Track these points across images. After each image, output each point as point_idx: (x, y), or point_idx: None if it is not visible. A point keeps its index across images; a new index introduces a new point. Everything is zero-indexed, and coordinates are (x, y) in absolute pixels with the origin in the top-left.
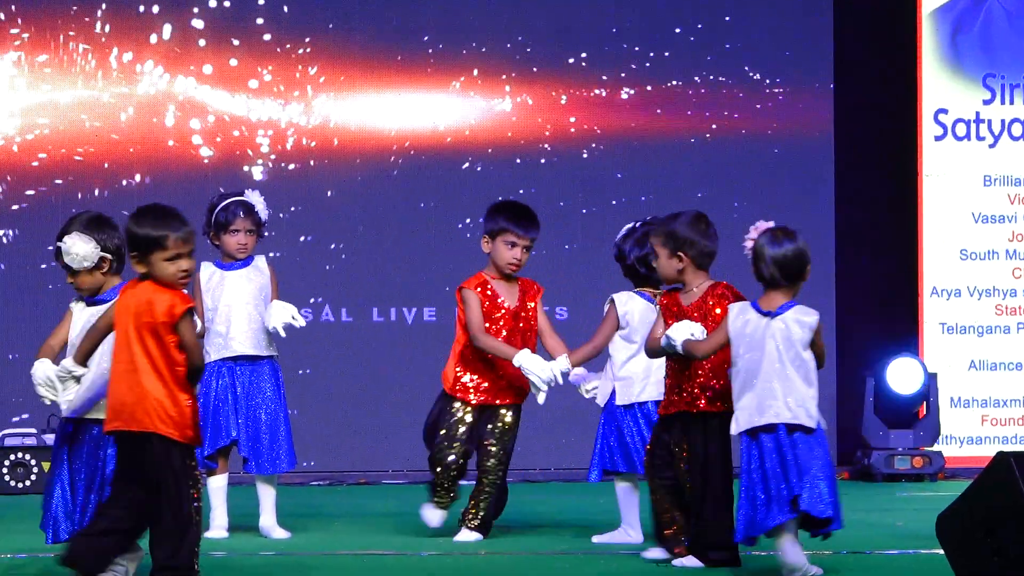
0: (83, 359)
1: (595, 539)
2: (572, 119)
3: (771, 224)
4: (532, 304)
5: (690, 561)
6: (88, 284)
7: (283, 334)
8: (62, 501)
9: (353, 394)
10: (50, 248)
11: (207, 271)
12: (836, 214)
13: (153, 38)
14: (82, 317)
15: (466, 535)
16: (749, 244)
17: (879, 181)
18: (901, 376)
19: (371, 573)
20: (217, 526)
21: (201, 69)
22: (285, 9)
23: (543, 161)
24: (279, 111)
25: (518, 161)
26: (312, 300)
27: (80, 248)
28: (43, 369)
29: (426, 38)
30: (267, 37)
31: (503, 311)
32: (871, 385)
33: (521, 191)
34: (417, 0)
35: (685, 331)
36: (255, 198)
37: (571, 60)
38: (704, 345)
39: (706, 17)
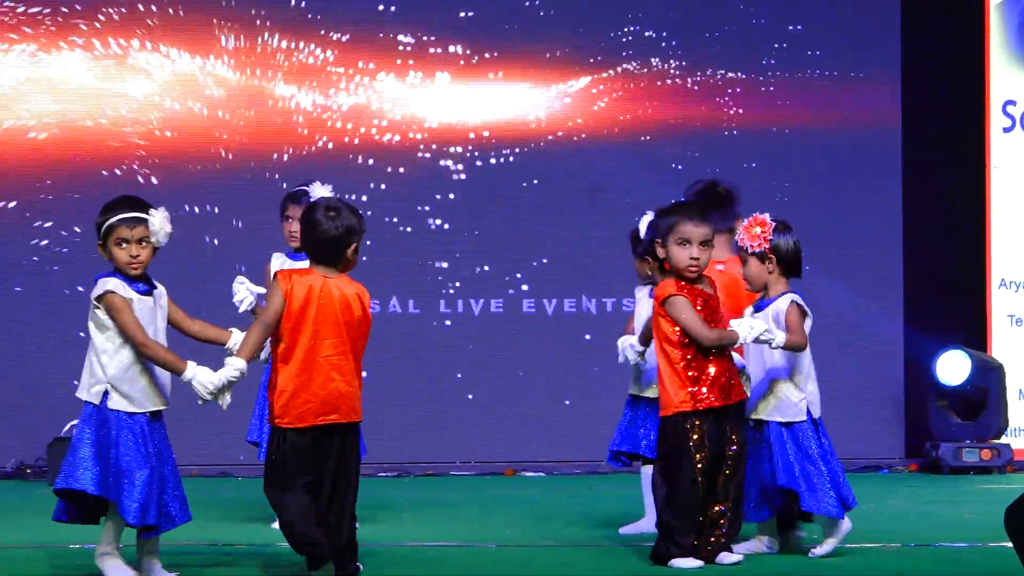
0: (250, 356)
1: (622, 530)
2: (649, 110)
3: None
4: None
5: (690, 562)
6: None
7: None
8: (152, 488)
9: (420, 388)
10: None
11: (278, 260)
12: (904, 206)
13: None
14: (142, 306)
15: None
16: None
17: (947, 173)
18: (950, 368)
19: (436, 563)
20: None
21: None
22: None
23: (618, 152)
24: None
25: (595, 150)
26: (380, 292)
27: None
28: (212, 377)
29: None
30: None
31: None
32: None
33: (591, 180)
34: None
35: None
36: (317, 190)
37: (634, 52)
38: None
39: (773, 9)
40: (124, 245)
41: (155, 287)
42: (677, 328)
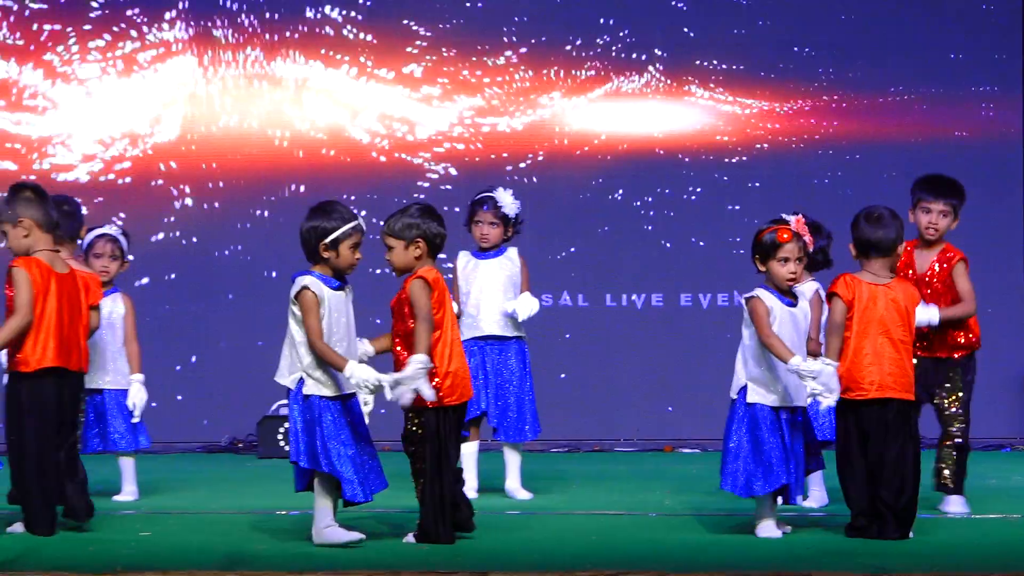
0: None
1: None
2: (776, 125)
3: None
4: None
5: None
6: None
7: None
8: (360, 464)
9: (589, 373)
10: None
11: (464, 259)
12: None
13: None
14: (336, 299)
15: None
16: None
17: None
18: None
19: (605, 531)
20: (468, 488)
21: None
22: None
23: (752, 165)
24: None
25: (727, 162)
26: (554, 287)
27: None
28: (369, 374)
29: (660, 52)
30: (508, 53)
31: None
32: None
33: (732, 193)
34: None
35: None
36: (502, 195)
37: (770, 73)
38: None
39: (894, 28)
40: (357, 249)
41: (347, 283)
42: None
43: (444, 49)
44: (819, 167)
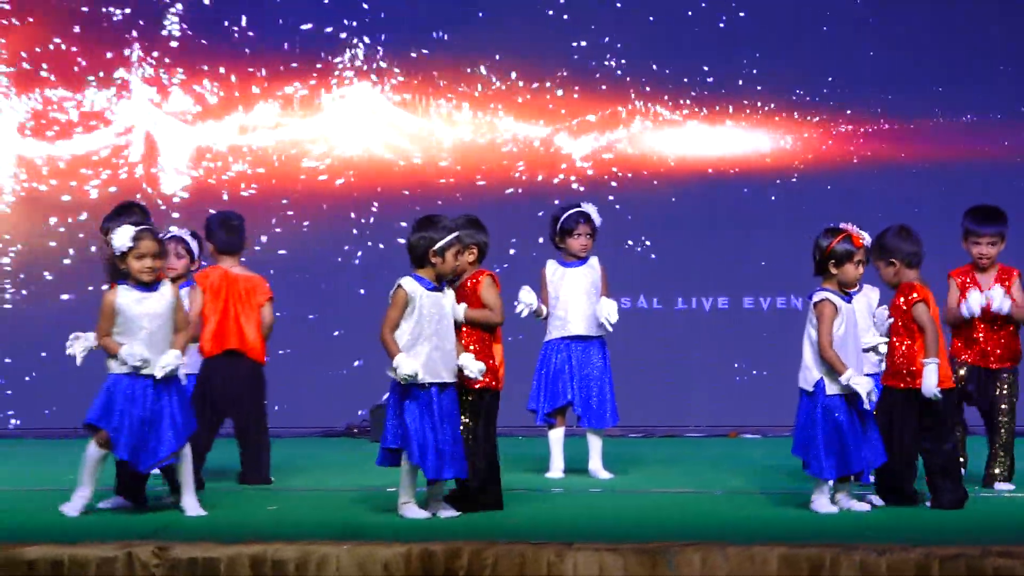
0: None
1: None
2: (849, 147)
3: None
4: None
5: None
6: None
7: (609, 328)
8: (439, 448)
9: (661, 365)
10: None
11: (552, 267)
12: None
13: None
14: (431, 300)
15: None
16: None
17: None
18: None
19: (679, 507)
20: (556, 468)
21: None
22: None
23: (822, 185)
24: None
25: (778, 183)
26: (632, 291)
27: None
28: (408, 368)
29: (759, 88)
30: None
31: None
32: None
33: (784, 209)
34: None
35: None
36: (590, 208)
37: (816, 99)
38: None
39: (945, 58)
40: (458, 256)
41: (444, 287)
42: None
43: (543, 82)
44: (859, 184)
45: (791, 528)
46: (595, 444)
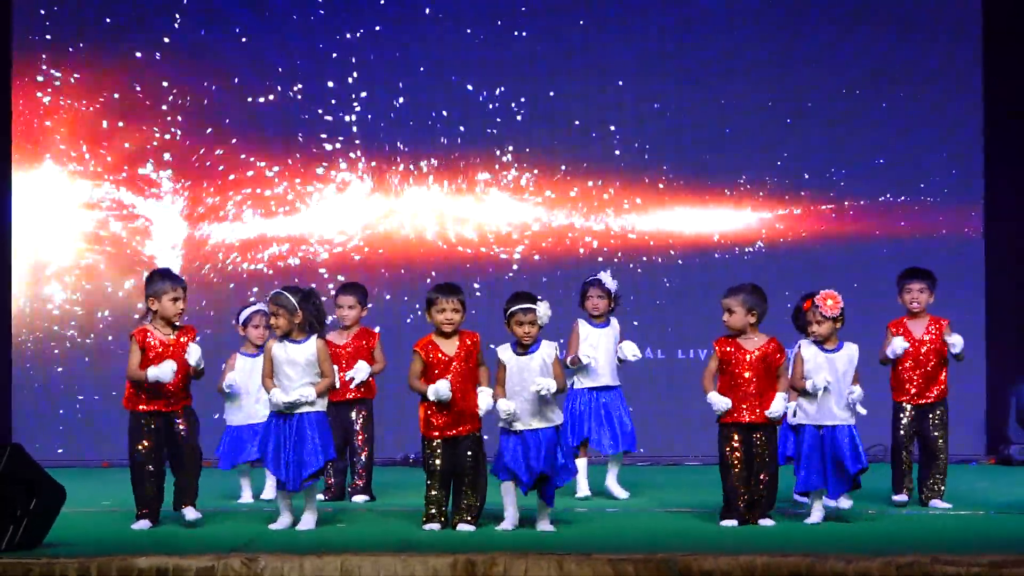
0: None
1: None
2: (780, 226)
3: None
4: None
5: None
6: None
7: (632, 358)
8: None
9: (665, 404)
10: None
11: (584, 327)
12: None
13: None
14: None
15: None
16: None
17: None
18: None
19: (680, 522)
20: (581, 489)
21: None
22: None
23: (773, 254)
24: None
25: (755, 252)
26: (642, 345)
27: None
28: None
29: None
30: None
31: None
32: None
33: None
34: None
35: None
36: (606, 277)
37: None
38: None
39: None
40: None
41: (535, 351)
42: None
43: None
44: (826, 255)
45: (775, 540)
46: (612, 467)
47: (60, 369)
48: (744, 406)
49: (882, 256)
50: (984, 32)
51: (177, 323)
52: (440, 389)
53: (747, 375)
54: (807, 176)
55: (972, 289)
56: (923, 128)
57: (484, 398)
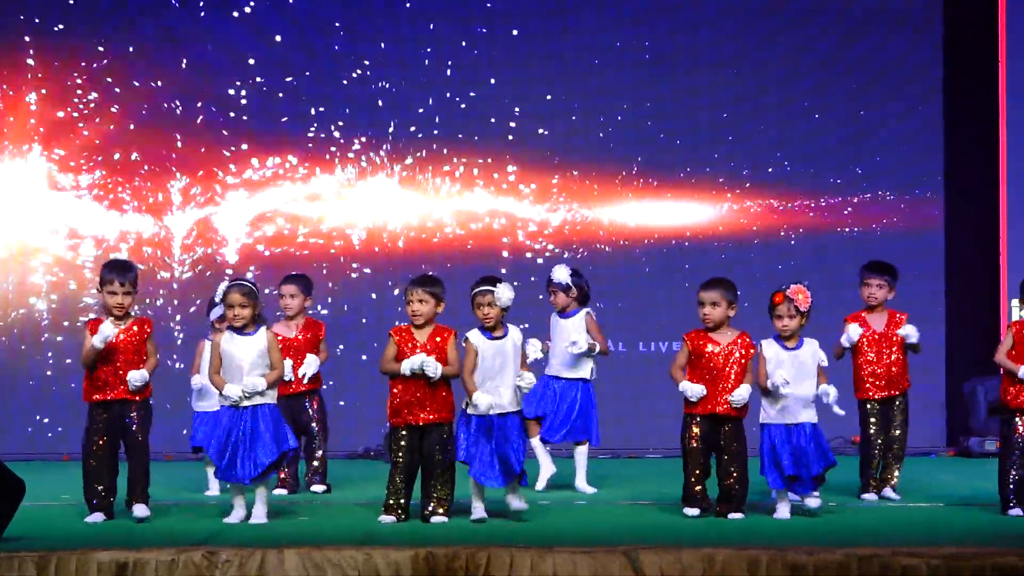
0: None
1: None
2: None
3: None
4: None
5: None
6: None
7: (578, 350)
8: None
9: (627, 397)
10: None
11: (553, 320)
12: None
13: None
14: (493, 350)
15: None
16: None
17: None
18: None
19: (641, 515)
20: (544, 477)
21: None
22: None
23: (745, 247)
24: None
25: (726, 244)
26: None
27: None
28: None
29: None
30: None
31: None
32: (981, 393)
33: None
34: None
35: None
36: (557, 271)
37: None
38: None
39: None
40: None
41: (506, 335)
42: None
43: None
44: (782, 249)
45: (736, 532)
46: (580, 461)
47: (21, 363)
48: (717, 400)
49: (842, 250)
50: (945, 24)
51: (118, 314)
52: (415, 362)
53: (719, 369)
54: (769, 170)
55: (932, 282)
56: (884, 121)
57: (483, 398)
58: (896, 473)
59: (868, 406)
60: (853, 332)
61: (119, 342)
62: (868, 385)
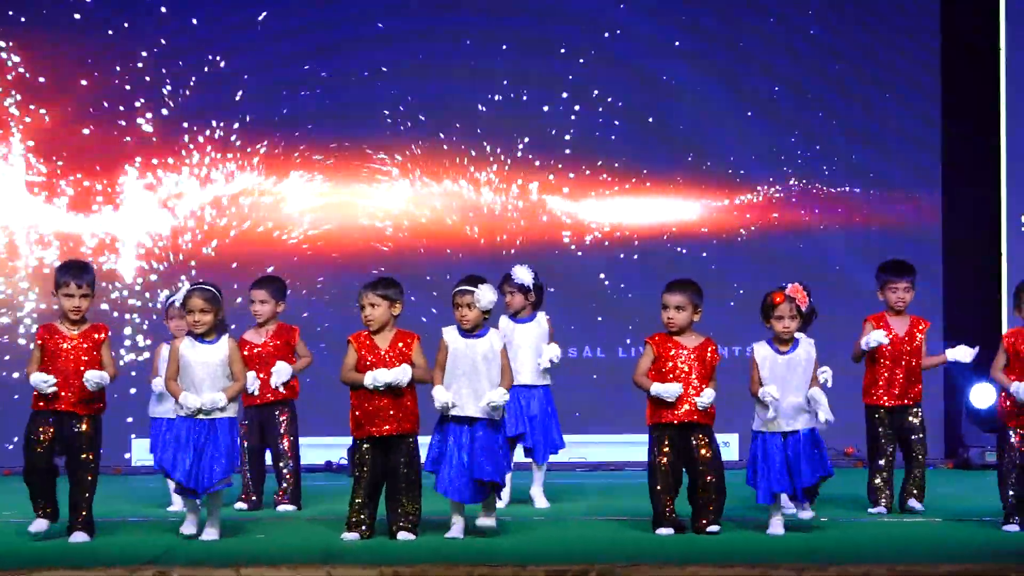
0: None
1: None
2: (748, 215)
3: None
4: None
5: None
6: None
7: (550, 364)
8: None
9: (585, 400)
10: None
11: (505, 324)
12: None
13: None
14: (468, 349)
15: None
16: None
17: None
18: (980, 395)
19: (617, 531)
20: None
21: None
22: None
23: (734, 247)
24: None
25: (713, 243)
26: (579, 342)
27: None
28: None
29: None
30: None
31: None
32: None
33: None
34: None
35: None
36: (519, 271)
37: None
38: None
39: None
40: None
41: (483, 335)
42: None
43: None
44: (776, 247)
45: (721, 548)
46: (538, 474)
47: None
48: (685, 406)
49: (839, 249)
50: (943, 23)
51: (74, 318)
52: (379, 375)
53: (684, 373)
54: (762, 166)
55: (930, 286)
56: (881, 119)
57: (441, 393)
58: (922, 485)
59: (878, 414)
60: (877, 338)
61: (71, 348)
62: (882, 392)
